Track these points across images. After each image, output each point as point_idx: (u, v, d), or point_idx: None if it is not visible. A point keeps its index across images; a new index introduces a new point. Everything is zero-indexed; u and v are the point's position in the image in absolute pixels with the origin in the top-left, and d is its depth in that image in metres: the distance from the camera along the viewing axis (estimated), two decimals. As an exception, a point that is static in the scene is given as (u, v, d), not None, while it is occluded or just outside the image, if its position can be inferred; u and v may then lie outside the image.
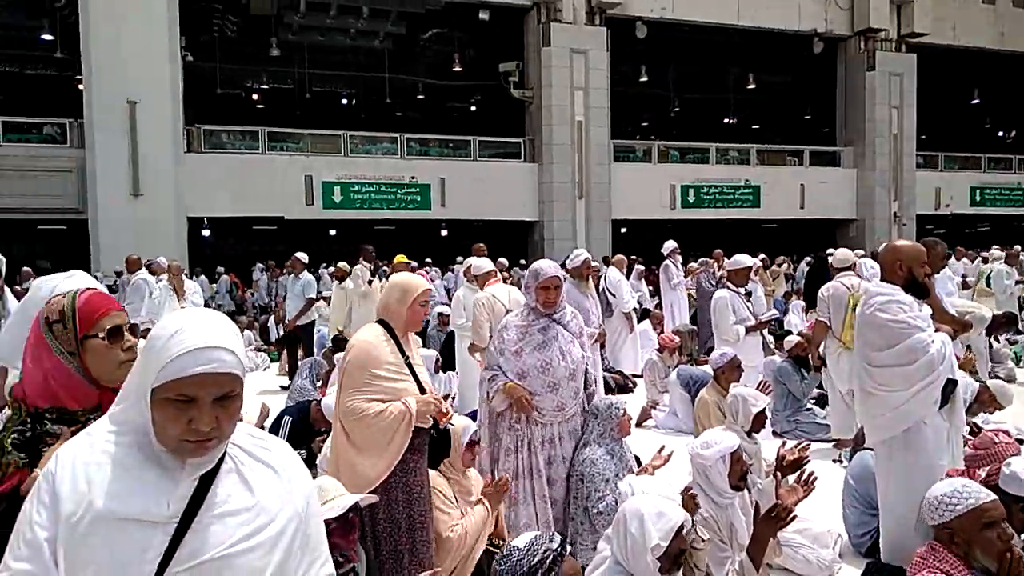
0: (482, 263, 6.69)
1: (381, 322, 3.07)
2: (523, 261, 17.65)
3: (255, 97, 22.74)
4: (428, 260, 17.67)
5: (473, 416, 4.45)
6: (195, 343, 1.24)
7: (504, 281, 7.20)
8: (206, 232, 19.80)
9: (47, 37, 18.08)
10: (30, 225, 18.27)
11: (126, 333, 1.82)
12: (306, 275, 9.44)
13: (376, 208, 19.21)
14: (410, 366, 3.04)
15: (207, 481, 1.30)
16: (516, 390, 3.62)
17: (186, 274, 10.26)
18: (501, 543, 3.31)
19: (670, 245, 10.89)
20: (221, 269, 18.61)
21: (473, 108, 24.43)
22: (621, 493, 3.35)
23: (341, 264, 9.70)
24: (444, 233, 21.81)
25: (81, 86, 16.30)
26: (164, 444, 1.27)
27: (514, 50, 20.38)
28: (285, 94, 21.86)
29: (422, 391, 3.02)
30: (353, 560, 2.65)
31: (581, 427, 3.76)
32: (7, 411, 1.83)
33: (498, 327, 3.91)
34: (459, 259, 17.51)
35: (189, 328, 1.26)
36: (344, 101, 23.32)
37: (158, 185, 16.43)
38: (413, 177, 19.44)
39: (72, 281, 2.28)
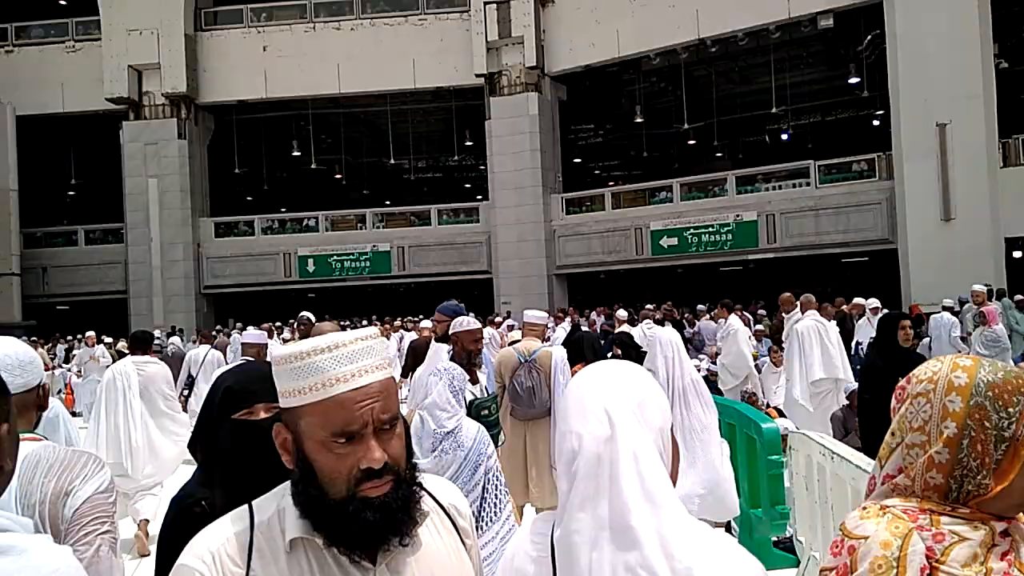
0: None
1: None
2: None
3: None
4: None
5: None
6: None
7: None
8: (1016, 253, 17.73)
9: (853, 80, 19.21)
10: (835, 259, 19.54)
11: None
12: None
13: None
14: None
15: None
16: None
17: None
18: None
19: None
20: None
21: None
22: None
23: None
24: None
25: (876, 121, 16.72)
26: None
27: None
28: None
29: None
30: None
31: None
32: None
33: None
34: None
35: None
36: None
37: (970, 207, 15.50)
38: None
39: None
